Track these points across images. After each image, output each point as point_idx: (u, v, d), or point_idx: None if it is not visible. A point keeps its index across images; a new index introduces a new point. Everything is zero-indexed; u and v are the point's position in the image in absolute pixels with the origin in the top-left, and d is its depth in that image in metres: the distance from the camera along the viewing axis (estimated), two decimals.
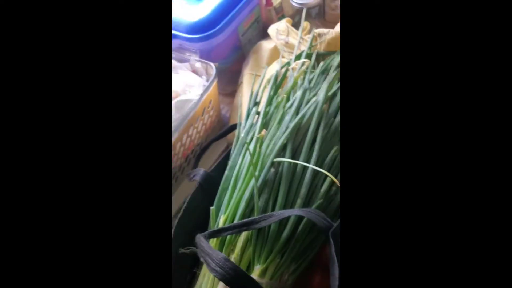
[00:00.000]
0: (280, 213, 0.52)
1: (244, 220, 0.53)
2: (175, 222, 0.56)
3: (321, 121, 0.61)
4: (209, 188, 0.61)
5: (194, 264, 0.58)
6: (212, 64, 0.80)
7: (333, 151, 0.60)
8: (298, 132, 0.59)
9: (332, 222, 0.50)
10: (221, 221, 0.56)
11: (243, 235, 0.53)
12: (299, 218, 0.54)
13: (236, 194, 0.56)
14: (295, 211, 0.52)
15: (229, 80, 0.91)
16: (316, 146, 0.58)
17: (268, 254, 0.52)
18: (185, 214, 0.56)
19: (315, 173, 0.56)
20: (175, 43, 0.84)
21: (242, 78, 0.85)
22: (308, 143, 0.58)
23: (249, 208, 0.55)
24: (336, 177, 0.59)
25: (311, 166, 0.56)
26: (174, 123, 0.72)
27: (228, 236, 0.53)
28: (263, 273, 0.51)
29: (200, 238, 0.52)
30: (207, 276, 0.53)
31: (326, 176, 0.56)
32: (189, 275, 0.58)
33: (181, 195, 0.71)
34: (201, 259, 0.51)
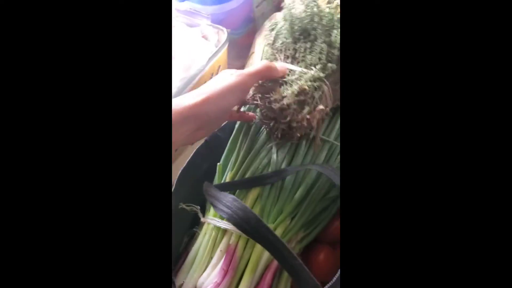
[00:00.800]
0: (294, 168, 0.48)
1: (255, 175, 0.49)
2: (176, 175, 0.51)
3: None
4: (215, 148, 0.57)
5: (192, 225, 0.53)
6: (224, 29, 0.76)
7: None
8: None
9: None
10: (227, 178, 0.51)
11: (253, 193, 0.48)
12: (314, 181, 0.50)
13: (243, 152, 0.52)
14: (311, 166, 0.48)
15: (238, 53, 0.87)
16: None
17: (278, 214, 0.48)
18: (188, 167, 0.52)
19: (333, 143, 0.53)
20: (185, 5, 0.80)
21: (253, 48, 0.81)
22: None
23: (262, 167, 0.50)
24: None
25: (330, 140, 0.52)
26: (180, 83, 0.68)
27: (237, 193, 0.49)
28: None
29: (207, 184, 0.48)
30: (208, 234, 0.48)
31: None
32: (187, 236, 0.53)
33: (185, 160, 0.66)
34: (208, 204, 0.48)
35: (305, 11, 0.49)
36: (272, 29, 0.54)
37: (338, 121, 0.54)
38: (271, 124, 0.47)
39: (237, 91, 0.42)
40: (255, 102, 0.47)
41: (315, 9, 0.49)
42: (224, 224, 0.46)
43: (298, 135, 0.45)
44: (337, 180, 0.46)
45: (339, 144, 0.52)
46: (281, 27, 0.52)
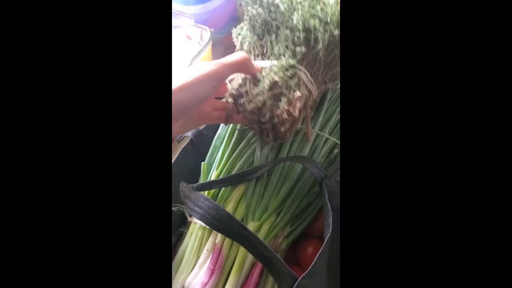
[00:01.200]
0: (274, 161, 0.48)
1: (237, 172, 0.49)
2: None
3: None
4: (201, 147, 0.57)
5: (180, 225, 0.53)
6: (207, 28, 0.76)
7: (335, 114, 0.57)
8: None
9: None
10: (213, 177, 0.51)
11: (238, 190, 0.49)
12: (299, 176, 0.50)
13: (229, 150, 0.52)
14: (290, 158, 0.48)
15: (224, 52, 0.87)
16: (324, 107, 0.54)
17: (263, 211, 0.48)
18: (173, 167, 0.52)
19: (318, 134, 0.53)
20: None
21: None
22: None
23: (247, 165, 0.50)
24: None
25: (317, 131, 0.52)
26: None
27: (222, 191, 0.49)
28: (256, 231, 0.47)
29: (182, 184, 0.48)
30: (195, 233, 0.48)
31: (328, 138, 0.53)
32: (175, 236, 0.54)
33: None
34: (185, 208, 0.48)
35: (260, 5, 0.47)
36: (239, 34, 0.53)
37: (323, 111, 0.54)
38: (260, 127, 0.46)
39: (212, 80, 0.40)
40: (236, 109, 0.46)
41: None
42: None
43: (283, 130, 0.43)
44: (314, 171, 0.46)
45: (324, 135, 0.53)
46: (246, 29, 0.50)
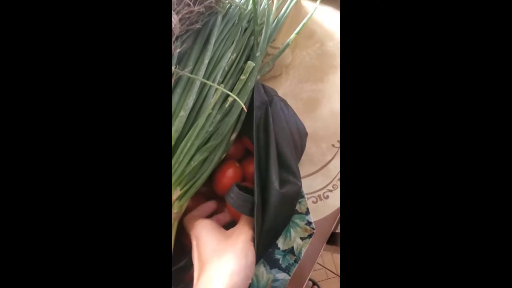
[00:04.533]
0: None
1: None
2: None
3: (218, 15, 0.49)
4: None
5: None
6: None
7: (229, 53, 0.49)
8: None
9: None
10: None
11: None
12: (183, 131, 0.44)
13: None
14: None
15: None
16: (209, 47, 0.46)
17: None
18: None
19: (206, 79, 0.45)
20: None
21: None
22: (200, 43, 0.47)
23: None
24: (232, 87, 0.49)
25: (198, 78, 0.44)
26: None
27: None
28: None
29: None
30: None
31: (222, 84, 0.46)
32: None
33: None
34: None
35: None
36: None
37: (209, 52, 0.46)
38: None
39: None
40: None
41: None
42: None
43: None
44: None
45: (211, 84, 0.46)
46: None
